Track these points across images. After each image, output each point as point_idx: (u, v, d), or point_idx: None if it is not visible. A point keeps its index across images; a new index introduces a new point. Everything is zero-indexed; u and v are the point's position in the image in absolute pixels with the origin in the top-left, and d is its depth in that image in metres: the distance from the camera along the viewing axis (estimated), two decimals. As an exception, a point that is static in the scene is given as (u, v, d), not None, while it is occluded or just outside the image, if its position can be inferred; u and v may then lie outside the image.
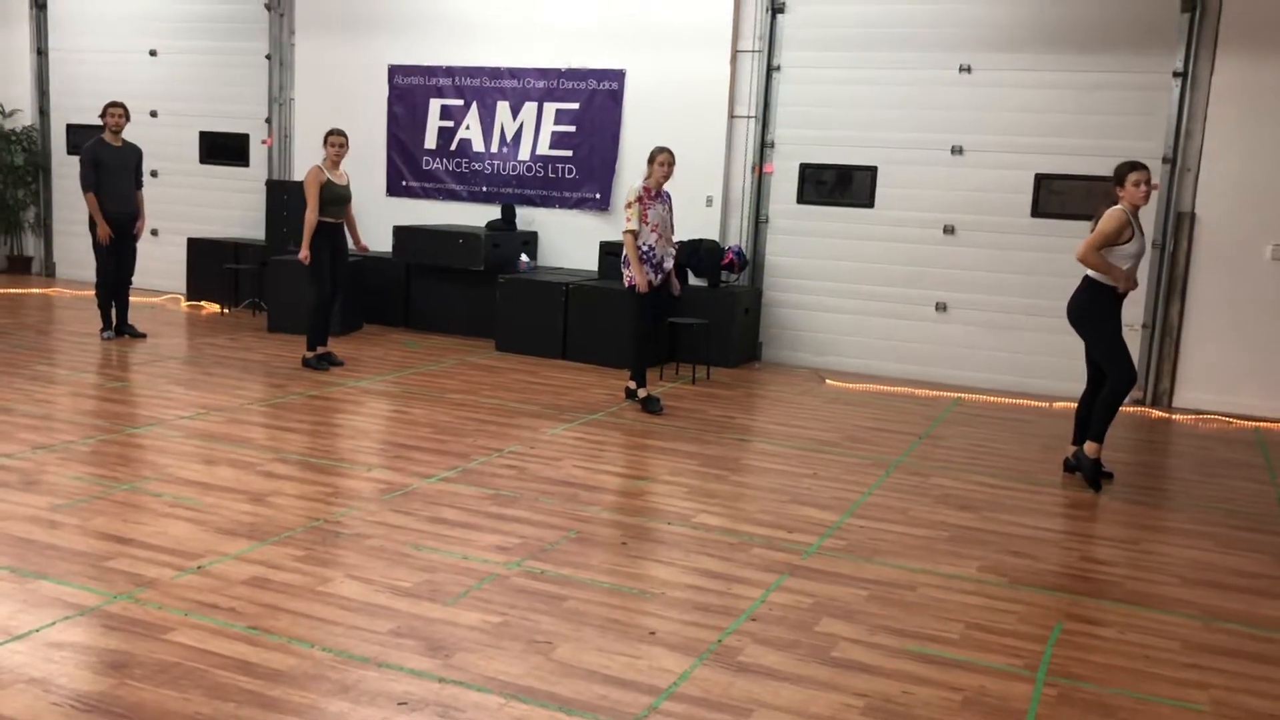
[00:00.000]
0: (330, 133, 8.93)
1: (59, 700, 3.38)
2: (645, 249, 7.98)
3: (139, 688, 3.49)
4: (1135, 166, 6.45)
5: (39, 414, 7.03)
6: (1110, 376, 6.54)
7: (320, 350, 9.03)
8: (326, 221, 8.81)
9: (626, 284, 8.07)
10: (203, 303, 12.16)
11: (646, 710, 3.55)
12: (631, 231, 7.92)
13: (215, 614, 4.08)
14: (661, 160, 7.99)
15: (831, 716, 3.59)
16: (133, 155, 9.83)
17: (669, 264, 8.17)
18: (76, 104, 13.62)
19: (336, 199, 8.87)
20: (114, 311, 9.86)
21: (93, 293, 10.12)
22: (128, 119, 9.78)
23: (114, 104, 9.72)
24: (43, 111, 13.93)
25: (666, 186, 8.15)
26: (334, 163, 8.89)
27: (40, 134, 13.93)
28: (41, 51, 13.81)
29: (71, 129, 13.78)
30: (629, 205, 7.96)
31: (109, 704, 3.38)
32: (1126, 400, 6.71)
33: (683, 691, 3.70)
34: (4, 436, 6.40)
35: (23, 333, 9.91)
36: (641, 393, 8.19)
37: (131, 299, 10.17)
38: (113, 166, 9.59)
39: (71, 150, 13.56)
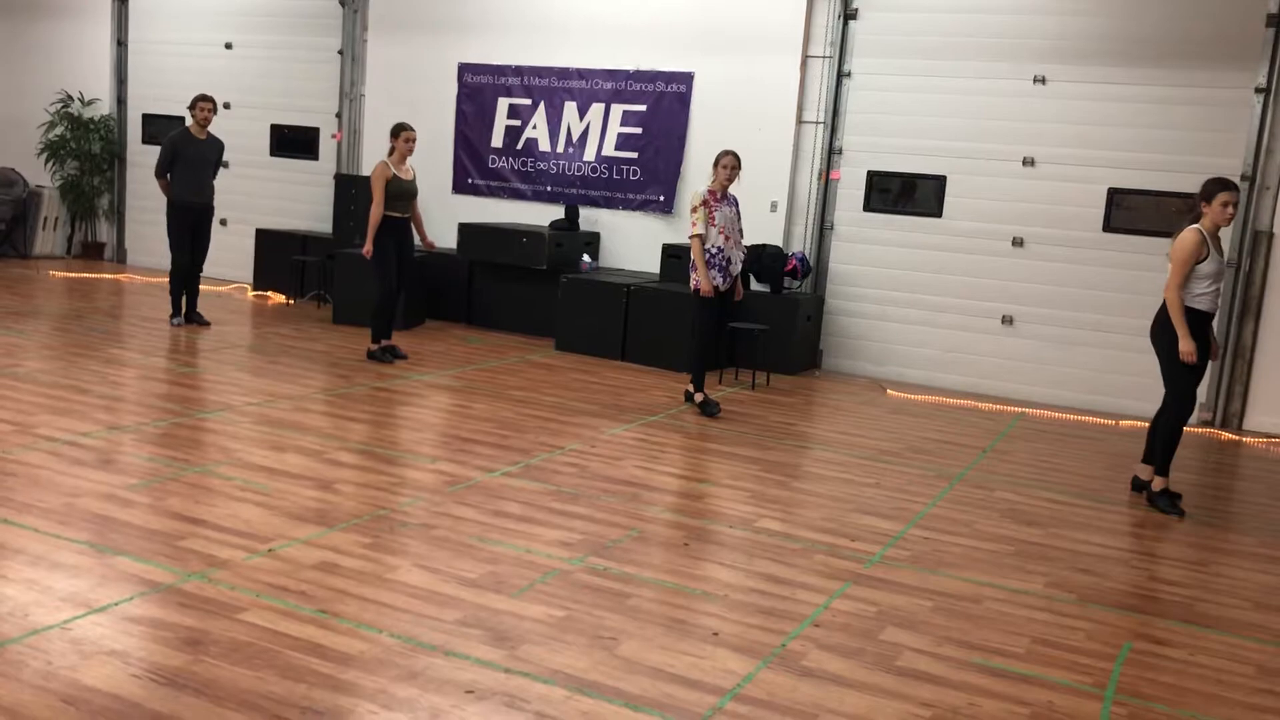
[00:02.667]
0: (401, 128, 9.01)
1: (138, 672, 3.46)
2: (713, 251, 7.96)
3: (214, 664, 3.55)
4: (1225, 185, 6.29)
5: (112, 395, 7.19)
6: (1168, 401, 6.43)
7: (384, 343, 9.12)
8: (392, 217, 8.90)
9: (692, 287, 8.06)
10: (269, 293, 12.35)
11: (712, 710, 3.55)
12: (699, 235, 7.91)
13: (286, 596, 4.15)
14: (725, 163, 7.97)
15: (897, 725, 3.56)
16: (214, 149, 10.02)
17: (737, 267, 8.14)
18: (153, 94, 13.93)
19: (403, 194, 8.96)
20: (184, 299, 10.04)
21: (165, 279, 10.33)
22: (215, 112, 9.94)
23: (204, 97, 9.88)
24: (120, 101, 14.25)
25: (733, 190, 8.13)
26: (402, 158, 8.97)
27: (117, 123, 14.25)
28: (122, 43, 14.13)
29: (147, 119, 14.09)
30: (694, 209, 7.94)
31: (186, 679, 3.44)
32: (1194, 421, 6.57)
33: (747, 693, 3.69)
34: (80, 416, 6.55)
35: (95, 316, 10.14)
36: (699, 396, 8.18)
37: (201, 288, 10.35)
38: (192, 157, 9.78)
39: (147, 140, 13.87)
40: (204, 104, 9.82)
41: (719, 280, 8.00)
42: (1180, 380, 6.37)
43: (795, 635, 4.21)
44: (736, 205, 8.18)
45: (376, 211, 8.82)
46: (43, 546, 4.45)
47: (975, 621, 4.52)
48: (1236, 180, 8.86)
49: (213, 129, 10.06)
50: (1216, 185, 6.31)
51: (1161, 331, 6.44)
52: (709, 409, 8.08)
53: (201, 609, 3.98)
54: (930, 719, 3.63)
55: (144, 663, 3.52)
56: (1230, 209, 6.27)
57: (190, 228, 9.86)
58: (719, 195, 8.02)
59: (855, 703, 3.69)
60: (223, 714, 3.25)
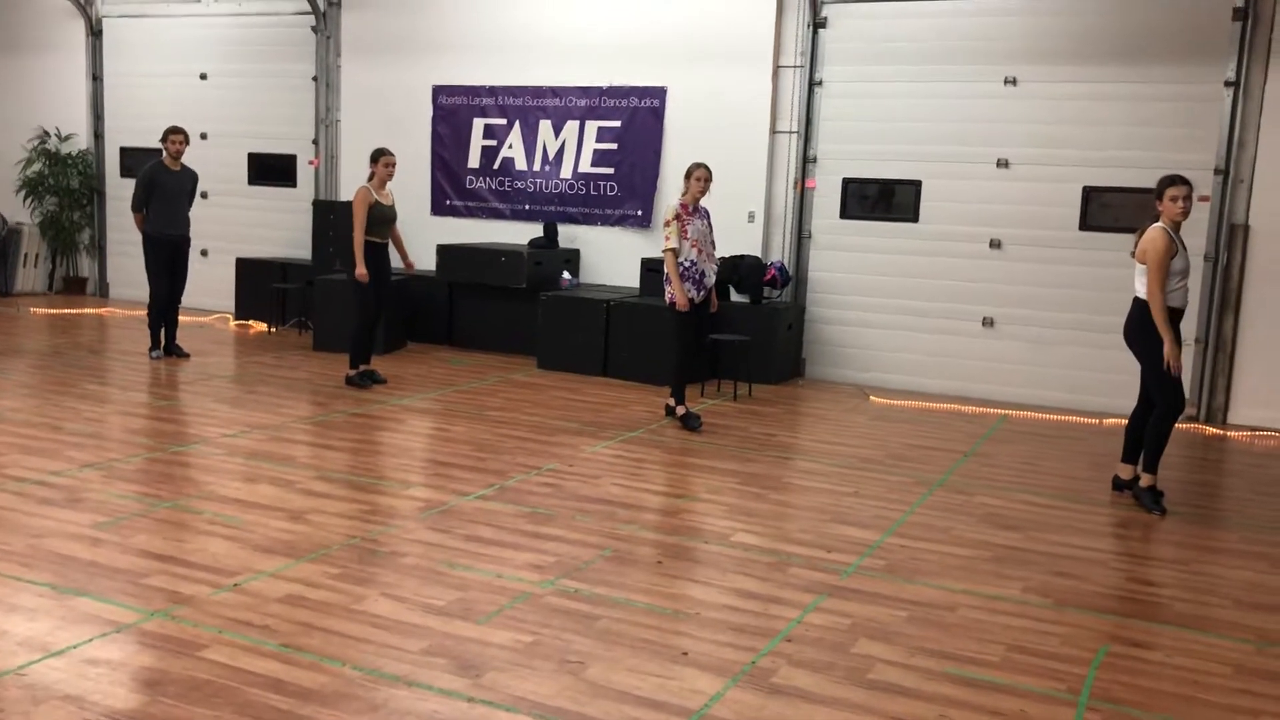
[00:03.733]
0: (380, 153, 8.96)
1: (92, 717, 3.40)
2: (687, 265, 7.93)
3: (171, 705, 3.50)
4: (1174, 181, 6.29)
5: (87, 432, 7.14)
6: (1158, 401, 6.39)
7: (363, 368, 9.08)
8: (373, 241, 8.88)
9: (667, 301, 8.03)
10: (251, 321, 12.32)
11: (677, 733, 3.50)
12: (671, 250, 7.89)
13: (249, 631, 4.10)
14: (698, 176, 7.94)
15: (866, 741, 3.51)
16: (189, 180, 9.99)
17: (710, 279, 8.11)
18: (130, 127, 13.90)
19: (384, 219, 8.93)
20: (163, 332, 10.00)
21: (145, 312, 10.29)
22: (187, 143, 9.93)
23: (174, 129, 9.86)
24: (97, 135, 14.23)
25: (706, 203, 8.10)
26: (382, 183, 8.94)
27: (95, 157, 14.23)
28: (96, 77, 14.12)
29: (125, 152, 14.07)
30: (667, 223, 7.93)
31: (140, 721, 3.39)
32: (1180, 418, 6.51)
33: (714, 713, 3.64)
34: (52, 454, 6.50)
35: (75, 352, 10.09)
36: (680, 410, 8.14)
37: (181, 319, 10.31)
38: (168, 190, 9.75)
39: (125, 173, 13.84)
40: (175, 136, 9.81)
41: (693, 293, 7.97)
42: (1166, 379, 6.33)
43: (766, 652, 4.16)
44: (709, 218, 8.16)
45: (359, 235, 8.77)
46: (3, 590, 4.40)
47: (949, 630, 4.47)
48: (1210, 174, 8.90)
49: (190, 159, 10.05)
50: (1166, 181, 6.32)
51: (1139, 333, 6.39)
52: (690, 423, 8.05)
53: (162, 648, 3.93)
54: (900, 733, 3.58)
55: (98, 707, 3.47)
56: (1180, 203, 6.24)
57: (168, 260, 9.83)
58: (690, 208, 7.98)
59: (824, 719, 3.64)
60: (176, 756, 3.20)
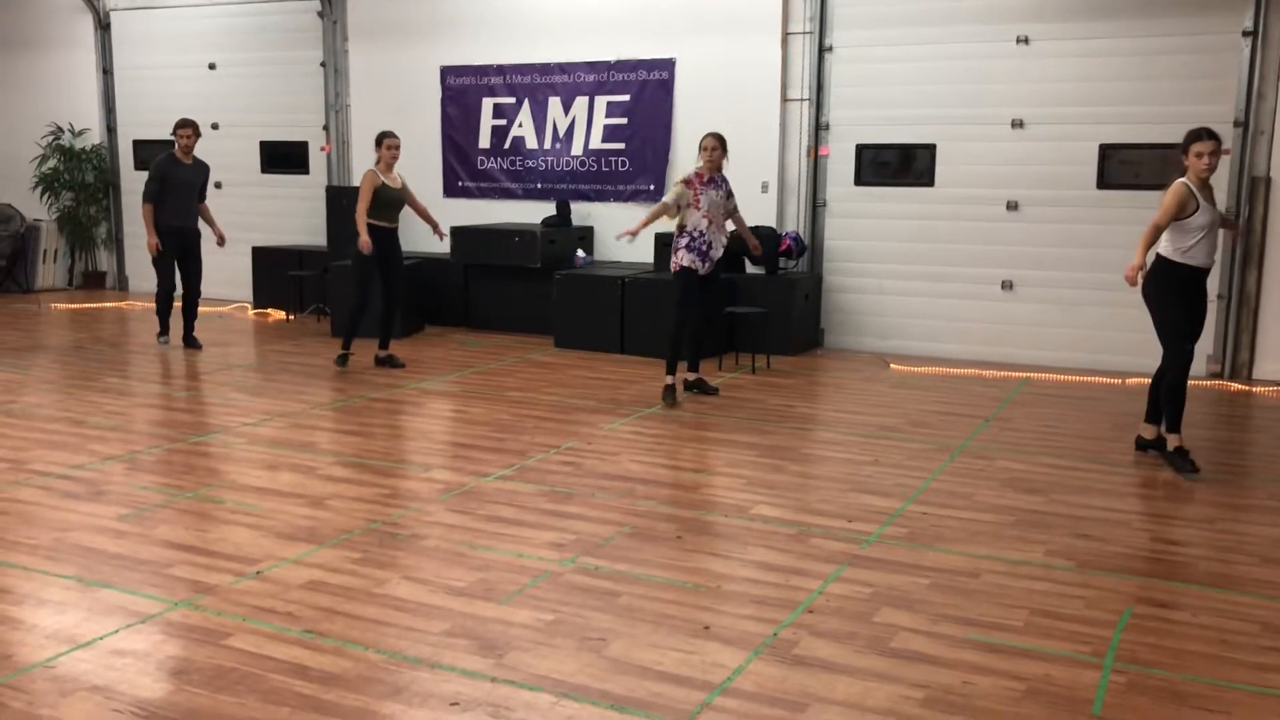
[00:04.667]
0: (384, 135, 8.95)
1: (120, 707, 3.44)
2: (695, 235, 7.86)
3: (196, 693, 3.53)
4: (1199, 136, 6.13)
5: (109, 425, 7.19)
6: (1164, 358, 6.32)
7: (341, 352, 9.14)
8: (378, 226, 8.85)
9: (674, 267, 7.96)
10: (269, 310, 12.36)
11: (700, 707, 3.50)
12: (663, 203, 7.94)
13: (272, 619, 4.12)
14: (705, 145, 7.85)
15: (889, 709, 3.50)
16: (200, 173, 10.00)
17: (718, 252, 7.97)
18: (142, 120, 13.94)
19: (390, 203, 8.93)
20: (181, 322, 10.02)
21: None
22: (198, 136, 9.93)
23: (183, 123, 9.86)
24: (110, 129, 14.28)
25: (728, 172, 8.02)
26: (388, 166, 8.93)
27: (109, 151, 14.28)
28: (107, 71, 14.15)
29: (138, 144, 14.11)
30: (676, 184, 7.96)
31: (166, 710, 3.42)
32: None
33: (737, 686, 3.64)
34: (75, 448, 6.55)
35: (96, 346, 10.16)
36: (667, 379, 8.02)
37: (201, 310, 10.34)
38: (179, 183, 9.76)
39: (139, 166, 13.88)
40: (183, 130, 9.81)
41: (698, 265, 7.88)
42: (1173, 338, 6.25)
43: (788, 623, 4.15)
44: (726, 186, 8.00)
45: (361, 212, 8.75)
46: (30, 584, 4.44)
47: (972, 596, 4.45)
48: (1229, 127, 8.76)
49: (202, 150, 10.05)
50: (1191, 137, 6.17)
51: (1153, 290, 6.32)
52: (667, 396, 7.97)
53: (187, 637, 3.96)
54: (923, 700, 3.57)
55: (125, 697, 3.50)
56: (1205, 159, 6.09)
57: (176, 251, 9.84)
58: (705, 178, 7.90)
59: (846, 689, 3.64)
60: (202, 744, 3.23)
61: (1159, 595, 4.52)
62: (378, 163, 8.91)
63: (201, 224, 10.01)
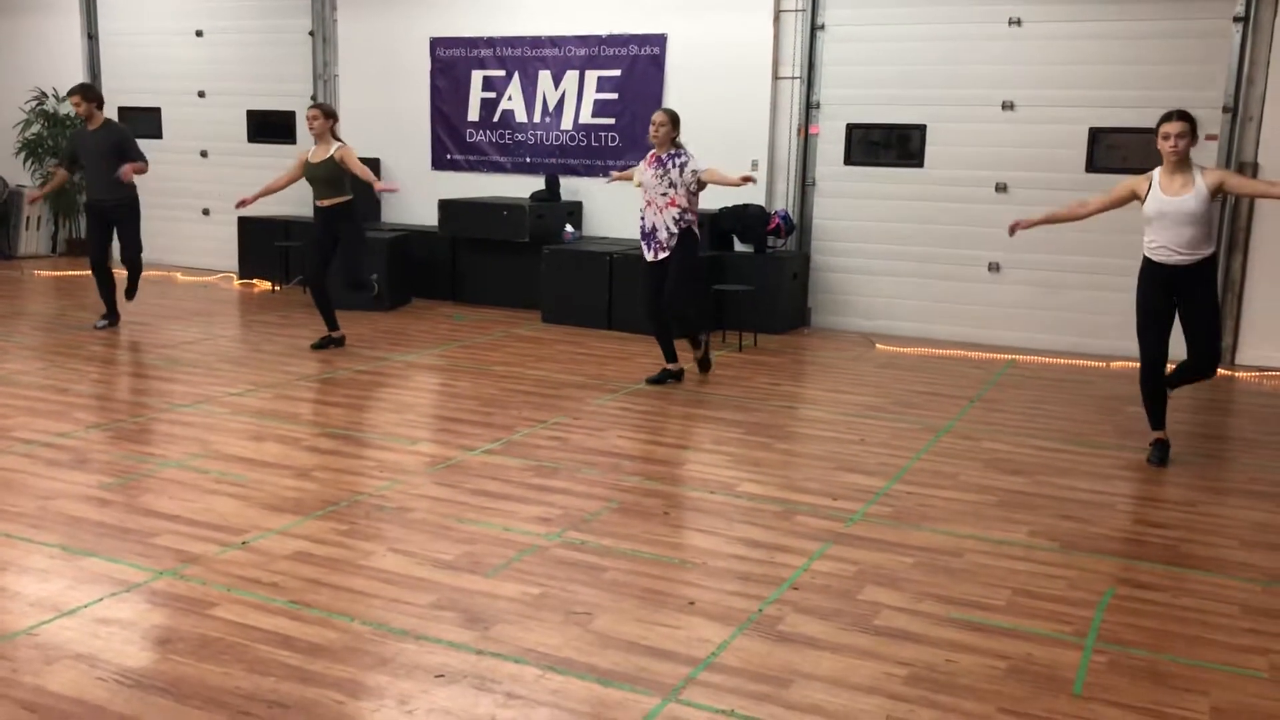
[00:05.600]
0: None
1: (104, 675, 3.43)
2: (641, 217, 7.62)
3: (181, 662, 3.53)
4: (1167, 117, 5.89)
5: (93, 393, 7.15)
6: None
7: (324, 335, 8.78)
8: (318, 205, 8.60)
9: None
10: (255, 280, 12.29)
11: (684, 681, 3.52)
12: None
13: (257, 589, 4.12)
14: (651, 119, 7.58)
15: (872, 686, 3.53)
16: (106, 139, 9.12)
17: (662, 234, 7.48)
18: (127, 86, 13.77)
19: (313, 179, 8.54)
20: (114, 294, 9.45)
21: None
22: (89, 103, 9.12)
23: (72, 90, 9.24)
24: (93, 100, 14.05)
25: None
26: (316, 140, 8.53)
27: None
28: (92, 36, 13.97)
29: (123, 111, 13.93)
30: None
31: (152, 679, 3.42)
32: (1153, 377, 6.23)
33: (721, 662, 3.66)
34: (59, 416, 6.51)
35: (79, 314, 10.08)
36: (674, 366, 7.93)
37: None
38: (88, 152, 9.12)
39: (124, 133, 13.72)
40: (71, 98, 9.22)
41: (642, 249, 7.63)
42: (1138, 330, 6.12)
43: (772, 600, 4.17)
44: (680, 162, 7.40)
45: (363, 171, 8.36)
46: (13, 552, 4.43)
47: (956, 576, 4.48)
48: (1218, 112, 8.78)
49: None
50: (1160, 119, 5.94)
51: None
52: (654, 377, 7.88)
53: (172, 606, 3.96)
54: (906, 677, 3.60)
55: (110, 665, 3.50)
56: (1171, 140, 5.81)
57: (96, 226, 9.31)
58: (655, 158, 7.49)
59: (830, 665, 3.66)
60: (187, 713, 3.23)
61: (1140, 576, 4.56)
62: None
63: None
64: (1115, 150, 9.36)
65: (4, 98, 14.15)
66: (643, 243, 7.66)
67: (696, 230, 7.63)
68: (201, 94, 13.17)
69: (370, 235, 10.97)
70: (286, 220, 12.24)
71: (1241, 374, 8.87)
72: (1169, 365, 6.17)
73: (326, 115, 8.58)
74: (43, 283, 12.08)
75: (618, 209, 11.15)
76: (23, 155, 13.82)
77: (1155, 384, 6.16)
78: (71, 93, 9.30)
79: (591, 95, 11.19)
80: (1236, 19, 8.78)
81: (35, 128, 13.85)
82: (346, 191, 8.62)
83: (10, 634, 3.69)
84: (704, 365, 8.14)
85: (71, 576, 4.20)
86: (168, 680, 3.41)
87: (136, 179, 9.21)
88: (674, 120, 7.53)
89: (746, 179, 7.31)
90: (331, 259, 8.74)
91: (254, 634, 3.75)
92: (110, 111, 13.97)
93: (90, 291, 9.58)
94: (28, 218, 14.09)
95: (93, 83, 13.78)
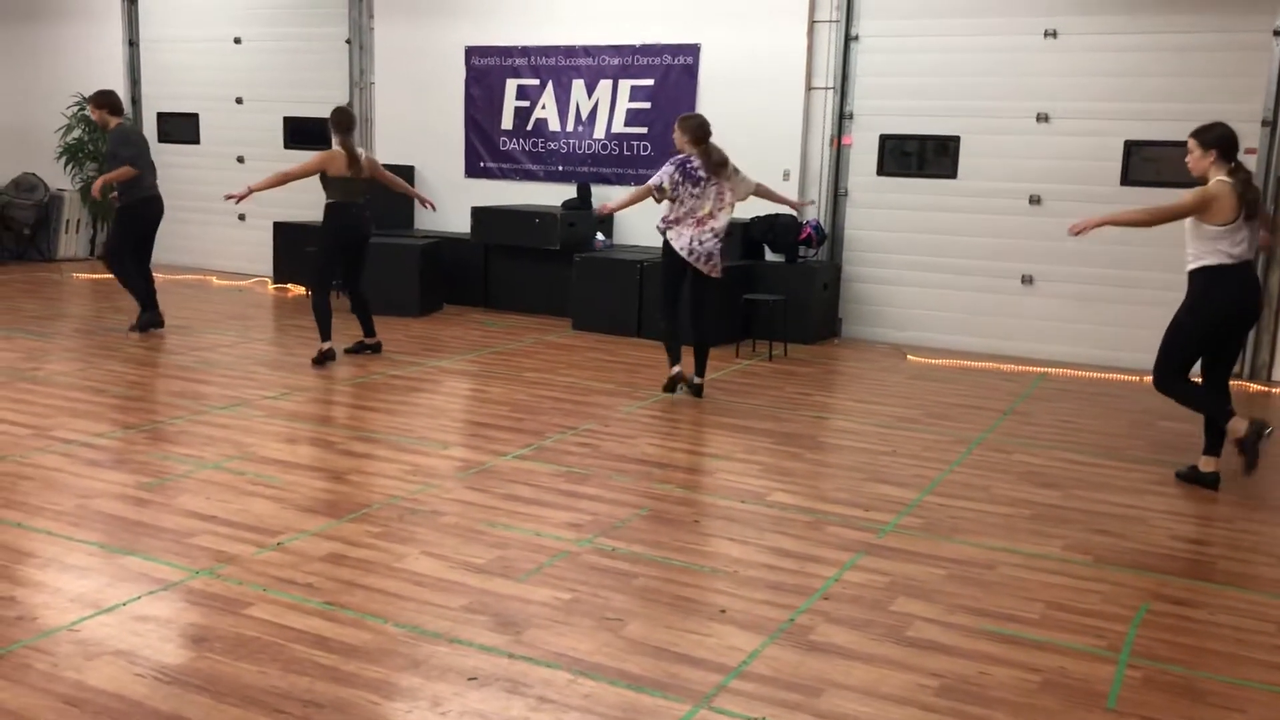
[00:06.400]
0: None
1: (143, 672, 3.48)
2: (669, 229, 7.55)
3: (217, 660, 3.57)
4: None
5: (128, 395, 7.25)
6: None
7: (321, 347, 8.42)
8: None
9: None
10: (289, 285, 12.41)
11: (715, 689, 3.52)
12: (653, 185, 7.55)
13: (292, 589, 4.16)
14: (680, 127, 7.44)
15: (904, 697, 3.52)
16: (110, 144, 9.32)
17: (699, 250, 7.47)
18: (166, 92, 13.98)
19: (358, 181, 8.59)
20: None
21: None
22: (99, 110, 9.28)
23: (89, 96, 9.45)
24: (134, 101, 14.30)
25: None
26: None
27: (133, 123, 14.30)
28: (133, 43, 14.18)
29: (162, 117, 14.16)
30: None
31: (189, 677, 3.46)
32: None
33: (752, 670, 3.66)
34: (97, 416, 6.60)
35: (117, 316, 10.19)
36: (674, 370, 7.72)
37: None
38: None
39: (163, 138, 13.91)
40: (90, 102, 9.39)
41: (676, 255, 7.48)
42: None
43: (804, 609, 4.17)
44: (721, 178, 7.39)
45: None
46: (54, 549, 4.49)
47: (989, 588, 4.46)
48: (1257, 126, 8.70)
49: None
50: None
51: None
52: (669, 386, 7.72)
53: (208, 605, 4.00)
54: (938, 689, 3.59)
55: (148, 662, 3.54)
56: (1188, 156, 5.87)
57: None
58: (689, 167, 7.39)
59: (862, 675, 3.65)
60: (224, 710, 3.26)
61: (1176, 592, 4.52)
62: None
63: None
64: (1151, 163, 9.29)
65: (46, 103, 14.37)
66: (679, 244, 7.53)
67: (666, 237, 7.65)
68: (239, 100, 13.33)
69: (403, 242, 11.09)
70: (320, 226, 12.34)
71: (1278, 390, 8.77)
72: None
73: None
74: (80, 285, 12.24)
75: (648, 217, 11.16)
76: (64, 160, 14.03)
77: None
78: (90, 98, 9.54)
79: (624, 104, 11.24)
80: (1276, 32, 8.71)
81: (76, 132, 14.05)
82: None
83: (52, 629, 3.75)
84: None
85: (110, 574, 4.26)
86: (204, 678, 3.46)
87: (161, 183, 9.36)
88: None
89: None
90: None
91: (289, 634, 3.78)
92: (149, 117, 14.26)
93: (126, 295, 9.63)
94: (67, 220, 14.30)
95: (111, 90, 13.86)
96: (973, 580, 4.54)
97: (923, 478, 6.00)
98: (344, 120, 8.53)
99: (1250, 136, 8.69)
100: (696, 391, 7.68)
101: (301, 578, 4.28)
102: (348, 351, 8.77)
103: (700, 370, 7.76)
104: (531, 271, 11.13)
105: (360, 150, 8.60)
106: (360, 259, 8.76)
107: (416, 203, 9.09)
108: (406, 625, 3.90)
